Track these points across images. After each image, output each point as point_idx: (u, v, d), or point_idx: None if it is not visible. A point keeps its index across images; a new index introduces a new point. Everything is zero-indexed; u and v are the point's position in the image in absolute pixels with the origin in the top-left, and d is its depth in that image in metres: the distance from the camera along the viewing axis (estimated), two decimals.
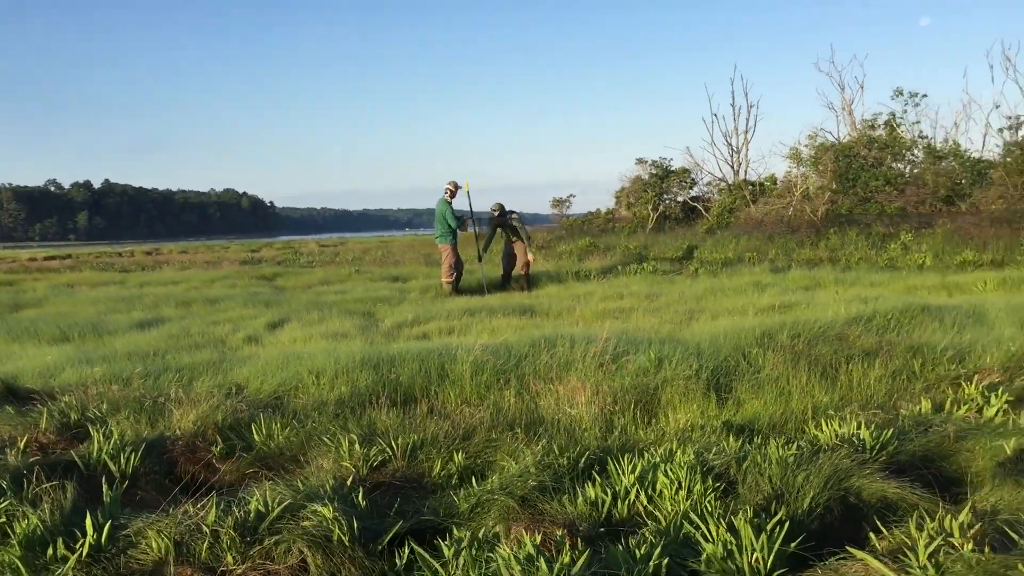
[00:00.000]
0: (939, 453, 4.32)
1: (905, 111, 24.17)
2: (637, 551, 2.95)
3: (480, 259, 15.72)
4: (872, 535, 3.24)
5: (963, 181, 20.11)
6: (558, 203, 28.55)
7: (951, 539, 2.93)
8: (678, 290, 12.89)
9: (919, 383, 5.90)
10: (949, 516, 3.14)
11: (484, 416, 5.22)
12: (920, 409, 5.12)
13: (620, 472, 3.84)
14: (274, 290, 15.97)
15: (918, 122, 24.05)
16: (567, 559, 2.81)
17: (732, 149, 27.73)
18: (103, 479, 4.09)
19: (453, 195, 15.17)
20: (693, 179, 27.24)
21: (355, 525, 3.44)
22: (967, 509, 3.22)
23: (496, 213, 15.64)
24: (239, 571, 3.28)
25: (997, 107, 24.61)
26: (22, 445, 4.61)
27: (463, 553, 3.03)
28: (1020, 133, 21.86)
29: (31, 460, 4.31)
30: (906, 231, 18.57)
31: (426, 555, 3.13)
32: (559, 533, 3.31)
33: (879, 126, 24.62)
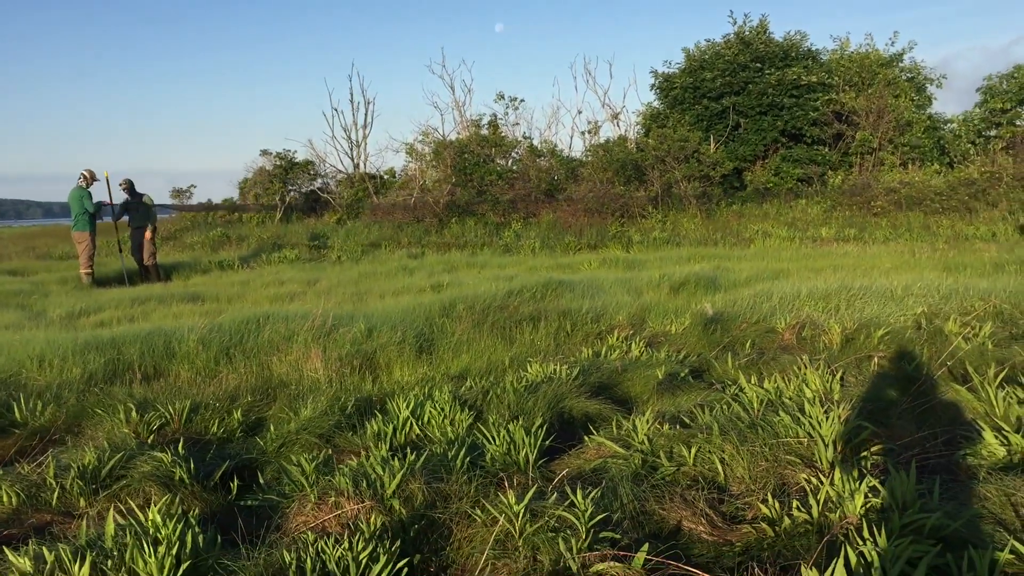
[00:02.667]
0: (611, 383, 5.73)
1: (507, 113, 27.16)
2: (447, 455, 3.86)
3: (120, 248, 15.18)
4: (593, 432, 4.47)
5: (558, 177, 23.28)
6: (179, 193, 27.65)
7: (650, 425, 4.24)
8: (334, 275, 13.69)
9: (576, 337, 7.41)
10: (639, 416, 4.45)
11: (240, 383, 5.72)
12: (586, 354, 6.57)
13: (397, 409, 4.70)
14: None
15: (518, 124, 27.14)
16: (412, 458, 3.65)
17: (352, 143, 28.92)
18: None
19: (89, 183, 14.51)
20: (317, 171, 27.99)
21: (191, 466, 3.94)
22: (650, 411, 4.57)
23: (124, 188, 15.07)
24: (92, 512, 3.64)
25: (580, 112, 28.51)
26: None
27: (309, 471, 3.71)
28: (600, 136, 25.75)
29: None
30: (516, 220, 21.12)
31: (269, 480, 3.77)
32: (362, 455, 4.11)
33: (483, 126, 27.34)
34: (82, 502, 3.74)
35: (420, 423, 4.62)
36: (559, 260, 15.65)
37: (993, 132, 22.91)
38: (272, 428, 4.70)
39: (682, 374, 5.70)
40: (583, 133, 26.91)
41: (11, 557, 2.87)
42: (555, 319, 7.85)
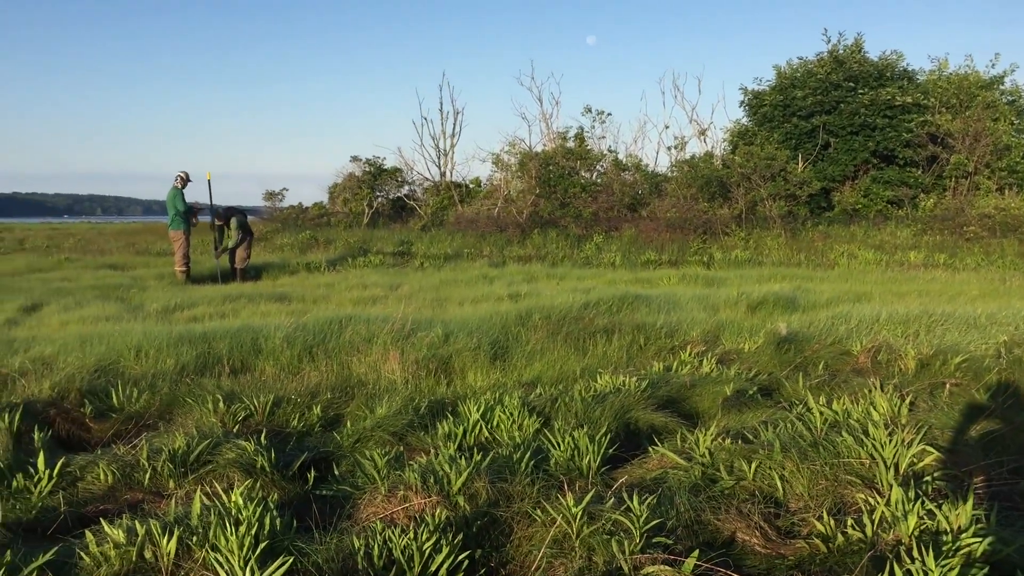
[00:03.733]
0: (679, 397, 5.81)
1: (593, 126, 27.24)
2: (513, 457, 4.02)
3: (216, 249, 15.81)
4: (657, 443, 4.57)
5: (642, 191, 23.29)
6: (271, 196, 28.58)
7: (713, 439, 4.32)
8: (416, 281, 14.02)
9: (648, 351, 7.50)
10: (701, 430, 4.54)
11: (321, 381, 6.00)
12: (656, 368, 6.66)
13: (468, 412, 4.88)
14: None
15: (604, 137, 27.24)
16: (478, 458, 3.82)
17: (440, 152, 29.45)
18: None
19: (184, 184, 15.19)
20: (404, 178, 28.58)
21: (272, 455, 4.19)
22: (714, 425, 4.65)
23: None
24: (180, 493, 3.92)
25: (667, 127, 28.44)
26: None
27: (381, 464, 3.92)
28: (686, 152, 25.67)
29: None
30: (598, 233, 21.20)
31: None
32: (431, 453, 4.29)
33: (570, 138, 27.51)
34: (171, 483, 4.02)
35: (489, 426, 4.79)
36: (638, 275, 15.68)
37: None
38: (349, 424, 4.94)
39: (750, 392, 5.74)
40: (669, 148, 26.89)
41: (107, 528, 3.13)
42: (629, 332, 7.94)
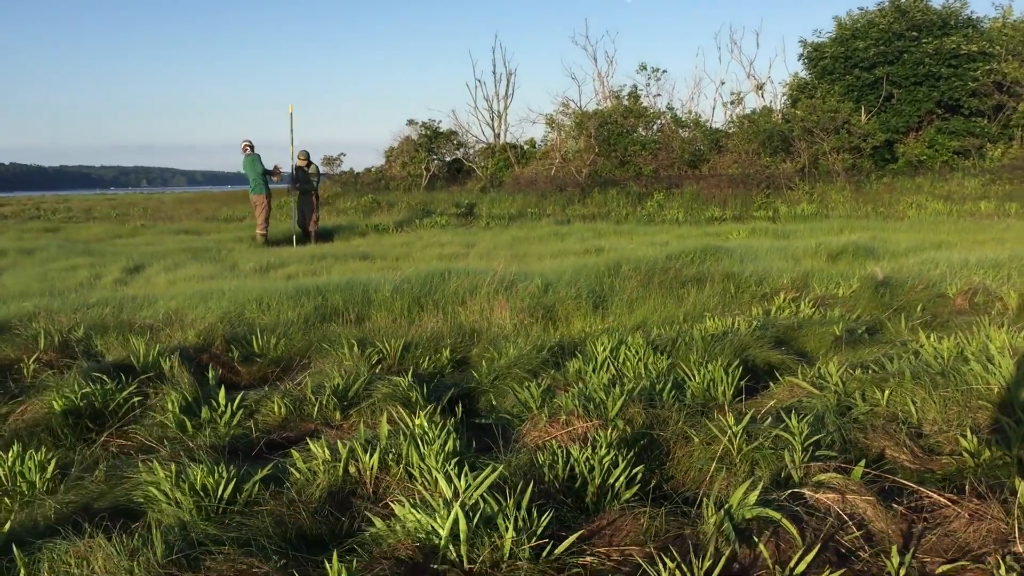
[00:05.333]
0: (787, 338, 6.01)
1: (648, 83, 27.16)
2: (655, 387, 4.28)
3: (298, 216, 16.23)
4: (778, 378, 4.79)
5: (702, 148, 23.26)
6: (329, 161, 29.04)
7: (841, 369, 4.53)
8: (489, 239, 14.29)
9: (742, 298, 7.69)
10: (827, 362, 4.74)
11: (440, 328, 6.30)
12: (756, 312, 6.85)
13: (595, 350, 5.14)
14: (70, 243, 15.50)
15: (659, 95, 27.15)
16: (630, 386, 4.09)
17: (493, 113, 29.58)
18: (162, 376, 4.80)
19: (251, 149, 15.54)
20: (460, 141, 28.81)
21: (424, 390, 4.49)
22: (835, 359, 4.86)
23: (302, 161, 16.18)
24: (346, 425, 4.24)
25: (723, 83, 28.21)
26: (31, 362, 5.08)
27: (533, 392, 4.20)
28: (744, 107, 25.52)
29: (85, 366, 4.87)
30: (659, 191, 21.27)
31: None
32: (572, 388, 4.56)
33: (624, 97, 27.45)
34: (337, 415, 4.35)
35: (616, 364, 5.05)
36: (705, 230, 15.80)
37: None
38: (484, 364, 5.22)
39: (859, 331, 5.92)
40: (726, 104, 26.72)
41: (313, 447, 3.45)
42: (719, 281, 8.12)
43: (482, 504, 2.87)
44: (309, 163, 16.38)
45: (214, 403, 4.21)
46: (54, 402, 4.21)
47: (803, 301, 7.17)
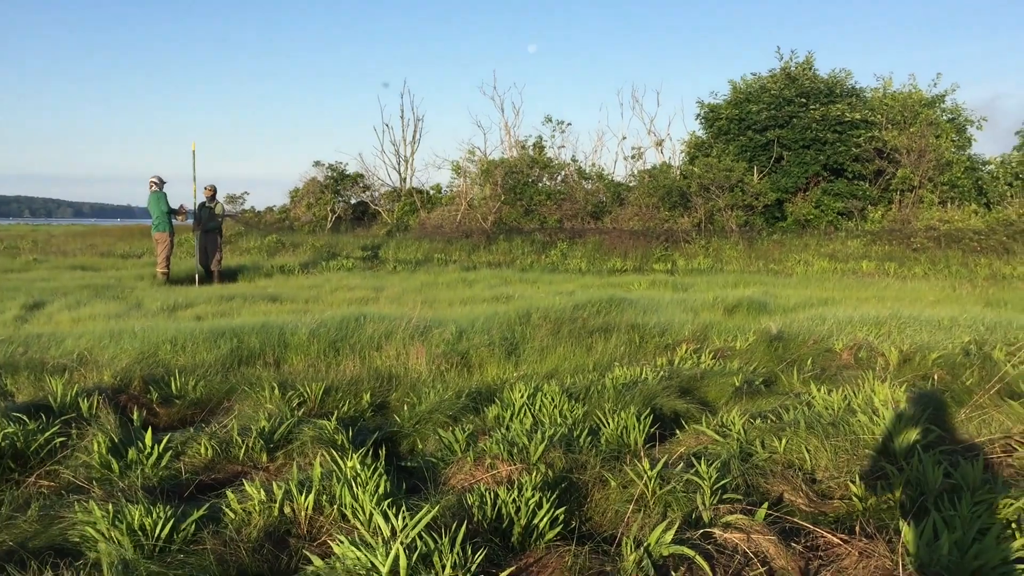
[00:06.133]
0: (691, 387, 6.36)
1: (553, 135, 27.93)
2: (573, 433, 4.52)
3: (200, 254, 16.04)
4: (684, 426, 5.10)
5: (605, 200, 23.98)
6: (232, 199, 28.66)
7: (743, 419, 4.88)
8: (398, 284, 14.41)
9: (647, 348, 8.05)
10: (729, 412, 5.09)
11: (359, 373, 6.41)
12: (661, 363, 7.21)
13: (513, 398, 5.36)
14: None
15: (564, 146, 27.92)
16: (551, 431, 4.31)
17: (400, 158, 29.81)
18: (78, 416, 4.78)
19: (160, 186, 15.36)
20: (366, 184, 28.87)
21: (349, 433, 4.62)
22: (736, 409, 5.21)
23: (208, 194, 16.09)
24: (272, 467, 4.34)
25: (625, 138, 29.16)
26: None
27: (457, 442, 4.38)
28: (644, 162, 26.48)
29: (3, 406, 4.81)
30: (562, 240, 21.81)
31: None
32: (490, 435, 4.77)
33: (529, 147, 28.12)
34: (264, 457, 4.44)
35: (533, 410, 5.28)
36: (608, 280, 16.30)
37: None
38: (406, 409, 5.37)
39: (756, 382, 6.33)
40: (627, 158, 27.70)
41: (248, 488, 3.55)
42: (625, 331, 8.48)
43: (419, 542, 3.04)
44: (215, 198, 16.27)
45: (140, 444, 4.25)
46: None
47: (704, 352, 7.57)
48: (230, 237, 24.48)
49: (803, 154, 24.24)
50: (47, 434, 4.34)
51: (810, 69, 25.57)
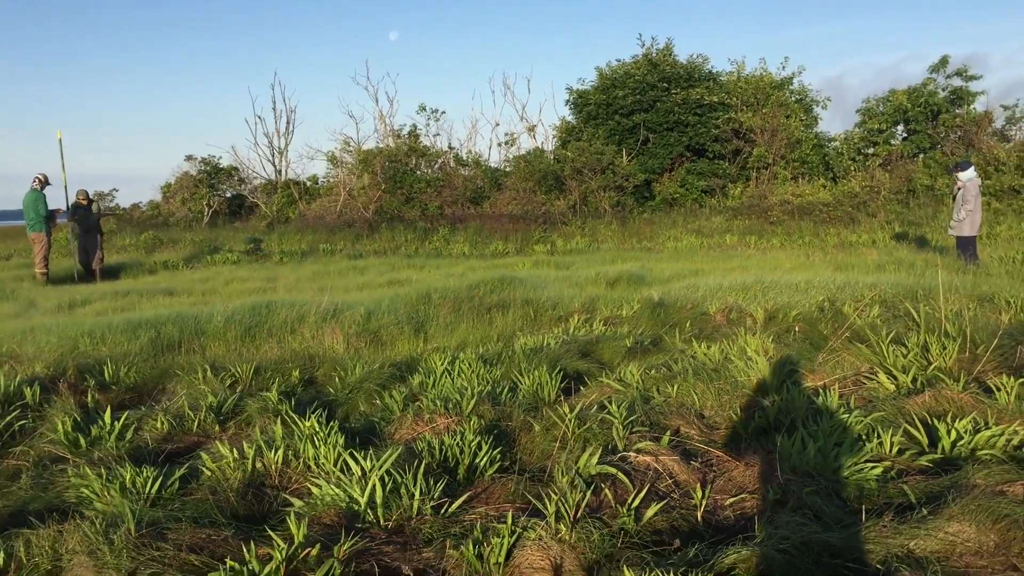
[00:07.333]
0: (588, 351, 7.06)
1: (428, 124, 28.36)
2: (496, 390, 5.12)
3: (78, 253, 15.79)
4: (587, 382, 5.78)
5: (483, 185, 24.65)
6: (101, 196, 27.81)
7: (640, 371, 5.59)
8: (290, 274, 14.65)
9: (542, 320, 8.73)
10: (624, 368, 5.80)
11: (282, 353, 6.83)
12: (557, 332, 7.90)
13: (434, 365, 5.92)
14: None
15: (439, 134, 28.39)
16: (479, 387, 4.89)
17: (274, 150, 29.63)
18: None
19: (43, 185, 15.10)
20: (241, 177, 28.59)
21: (292, 403, 5.09)
22: (632, 365, 5.93)
23: (81, 199, 15.86)
24: (225, 436, 4.76)
25: (498, 125, 29.89)
26: None
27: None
28: (519, 148, 27.30)
29: None
30: (444, 227, 22.35)
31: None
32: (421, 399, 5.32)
33: (404, 136, 28.49)
34: (216, 428, 4.85)
35: (452, 375, 5.86)
36: (492, 262, 16.95)
37: (871, 150, 25.36)
38: (337, 380, 5.85)
39: (645, 343, 7.09)
40: (501, 144, 28.46)
41: (221, 448, 4.00)
42: (520, 306, 9.14)
43: (387, 478, 3.58)
44: (90, 202, 16.08)
45: (101, 422, 4.60)
46: None
47: (595, 321, 8.31)
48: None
49: (667, 136, 25.55)
50: (7, 419, 4.63)
51: (670, 55, 26.90)
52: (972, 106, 23.85)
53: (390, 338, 7.76)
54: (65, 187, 15.72)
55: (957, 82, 24.03)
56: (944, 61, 24.13)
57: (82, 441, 4.40)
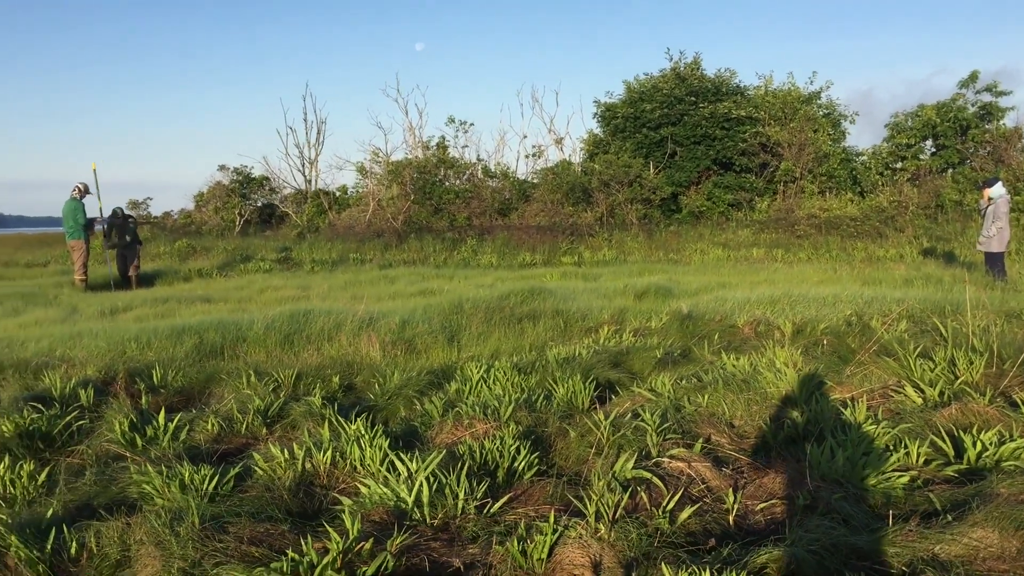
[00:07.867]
0: (618, 361, 7.22)
1: (456, 135, 28.67)
2: (531, 398, 5.29)
3: (120, 261, 16.23)
4: (618, 392, 5.94)
5: (511, 197, 24.88)
6: (135, 205, 28.34)
7: (672, 381, 5.74)
8: (322, 283, 14.91)
9: (572, 331, 8.90)
10: (656, 378, 5.95)
11: (323, 360, 7.04)
12: (588, 343, 8.06)
13: (470, 373, 6.10)
14: None
15: (467, 146, 28.67)
16: (516, 395, 5.07)
17: (305, 160, 30.03)
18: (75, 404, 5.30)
19: (83, 195, 15.50)
20: (272, 187, 29.02)
21: (335, 408, 5.29)
22: (664, 375, 6.08)
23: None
24: (272, 438, 4.97)
25: (526, 137, 30.13)
26: None
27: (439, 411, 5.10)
28: (547, 160, 27.53)
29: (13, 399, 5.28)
30: (471, 237, 22.58)
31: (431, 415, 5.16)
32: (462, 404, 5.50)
33: (432, 147, 28.80)
34: (264, 430, 5.06)
35: (488, 383, 6.03)
36: (520, 273, 17.14)
37: (899, 164, 25.34)
38: (376, 387, 6.05)
39: (675, 354, 7.24)
40: (528, 156, 28.69)
41: (273, 449, 4.20)
42: (550, 316, 9.31)
43: (432, 479, 3.76)
44: (126, 217, 16.53)
45: (155, 423, 4.82)
46: (2, 426, 4.66)
47: (624, 332, 8.46)
48: None
49: (694, 150, 25.66)
50: (67, 419, 4.87)
51: (698, 69, 27.04)
52: (1002, 121, 23.78)
53: (424, 346, 7.95)
54: (100, 211, 16.25)
55: (987, 97, 23.98)
56: (974, 76, 24.09)
57: (139, 441, 4.62)
